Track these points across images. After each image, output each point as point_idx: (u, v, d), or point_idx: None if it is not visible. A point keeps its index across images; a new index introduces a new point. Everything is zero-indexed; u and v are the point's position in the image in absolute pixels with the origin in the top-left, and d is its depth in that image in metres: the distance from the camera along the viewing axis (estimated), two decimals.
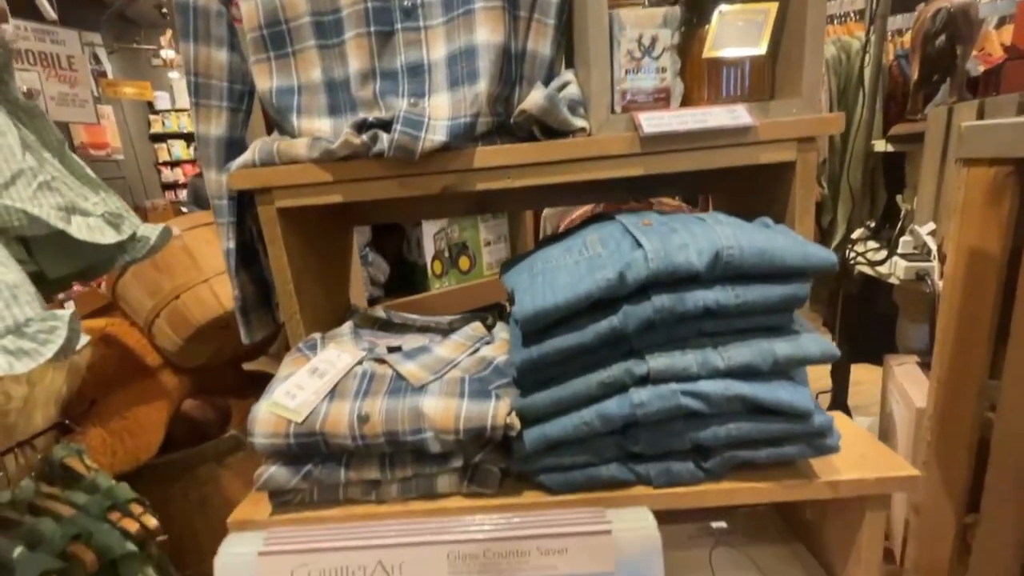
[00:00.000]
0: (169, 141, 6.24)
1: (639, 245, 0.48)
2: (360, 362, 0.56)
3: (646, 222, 0.53)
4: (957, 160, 0.64)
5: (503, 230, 1.43)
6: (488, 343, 0.62)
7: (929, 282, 1.08)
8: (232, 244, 0.68)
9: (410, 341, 0.64)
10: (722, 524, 0.67)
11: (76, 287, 1.36)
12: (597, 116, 0.58)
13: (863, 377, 1.47)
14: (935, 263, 1.10)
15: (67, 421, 0.80)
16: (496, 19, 0.56)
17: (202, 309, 0.96)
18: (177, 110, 6.22)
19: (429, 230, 1.27)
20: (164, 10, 5.10)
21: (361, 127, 0.56)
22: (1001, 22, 1.58)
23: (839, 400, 1.36)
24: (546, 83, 0.61)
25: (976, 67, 1.44)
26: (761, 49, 0.58)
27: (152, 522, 0.70)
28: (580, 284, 0.47)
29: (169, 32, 5.37)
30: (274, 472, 0.50)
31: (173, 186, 6.21)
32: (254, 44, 0.61)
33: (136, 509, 0.71)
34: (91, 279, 0.70)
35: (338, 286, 0.83)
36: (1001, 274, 0.63)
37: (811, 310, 0.76)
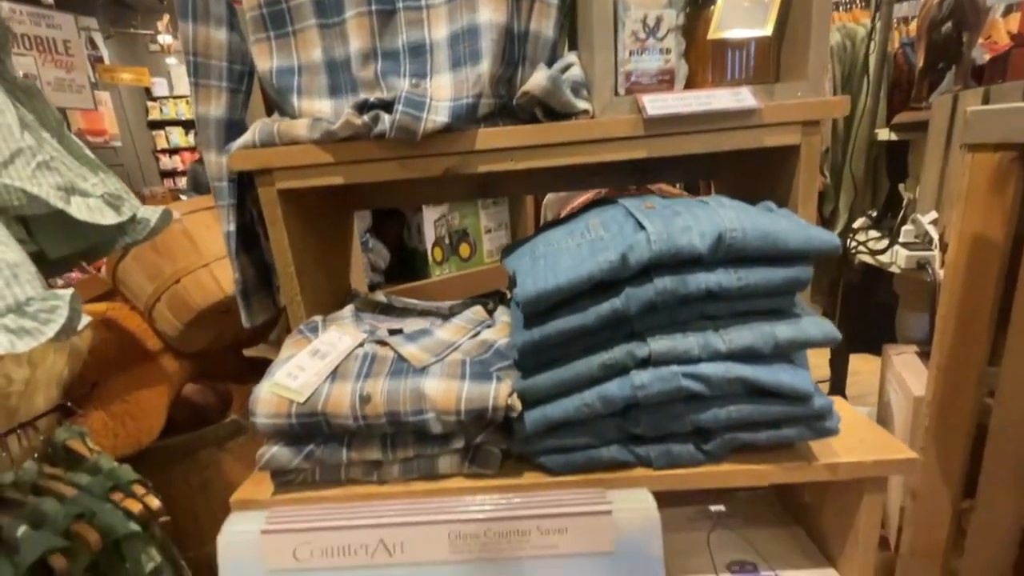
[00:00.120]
0: (167, 128, 6.19)
1: (641, 227, 0.48)
2: (361, 344, 0.56)
3: (649, 205, 0.53)
4: (962, 146, 0.64)
5: (504, 217, 1.43)
6: (489, 326, 0.62)
7: (930, 271, 1.08)
8: (232, 227, 0.67)
9: (411, 324, 0.64)
10: (721, 507, 0.68)
11: (75, 274, 1.36)
12: (600, 98, 0.57)
13: (860, 367, 1.47)
14: (936, 252, 1.10)
15: (69, 403, 0.80)
16: None
17: (202, 293, 0.96)
18: (175, 97, 6.16)
19: (430, 216, 1.27)
20: None
21: (362, 108, 0.56)
22: (1008, 10, 1.56)
23: (837, 389, 1.37)
24: (549, 65, 0.60)
25: (982, 55, 1.43)
26: (767, 30, 0.58)
27: (155, 503, 0.70)
28: (582, 266, 0.47)
29: (167, 17, 5.30)
30: (276, 452, 0.50)
31: (172, 174, 6.17)
32: (253, 23, 0.60)
33: (139, 490, 0.71)
34: (91, 261, 0.70)
35: (339, 271, 0.82)
36: (1003, 261, 0.63)
37: (811, 300, 0.76)
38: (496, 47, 0.56)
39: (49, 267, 0.66)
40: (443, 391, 0.48)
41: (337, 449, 0.50)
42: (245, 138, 0.59)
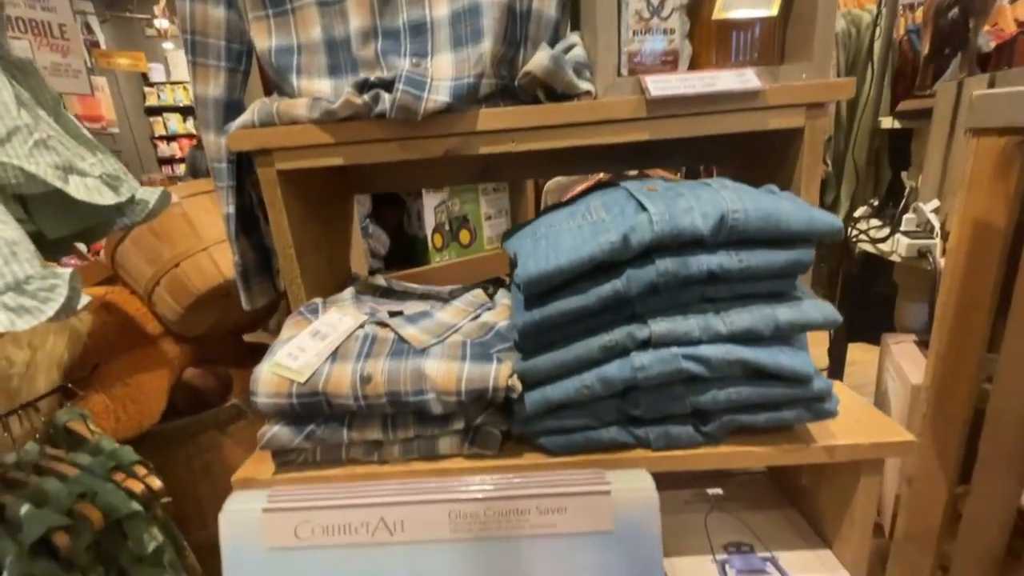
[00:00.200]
0: (165, 114, 6.14)
1: (643, 209, 0.47)
2: (362, 325, 0.56)
3: (651, 187, 0.53)
4: (967, 130, 0.64)
5: (504, 204, 1.42)
6: (489, 309, 0.62)
7: (931, 259, 1.08)
8: (232, 209, 0.67)
9: (411, 307, 0.64)
10: (718, 491, 0.68)
11: (74, 260, 1.36)
12: (603, 79, 0.57)
13: (858, 358, 1.48)
14: (937, 240, 1.10)
15: (70, 385, 0.80)
16: None
17: (202, 277, 0.96)
18: (172, 83, 6.10)
19: (430, 202, 1.26)
20: None
21: (363, 87, 0.55)
22: None
23: (835, 378, 1.37)
24: (551, 45, 0.60)
25: (988, 43, 1.41)
26: (772, 11, 0.57)
27: (156, 483, 0.71)
28: (584, 247, 0.47)
29: (163, 1, 5.23)
30: (277, 431, 0.50)
31: (170, 161, 6.13)
32: (252, 1, 0.59)
33: (140, 471, 0.71)
34: (90, 242, 0.70)
35: (339, 255, 0.82)
36: (1005, 247, 0.63)
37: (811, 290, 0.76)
38: (498, 26, 0.55)
39: (48, 248, 0.65)
40: (444, 372, 0.49)
41: (338, 429, 0.51)
42: (244, 118, 0.58)
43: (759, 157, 0.66)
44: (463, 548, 0.49)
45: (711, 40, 0.59)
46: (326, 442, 0.51)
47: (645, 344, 0.48)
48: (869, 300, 1.49)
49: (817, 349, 0.53)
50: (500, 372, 0.48)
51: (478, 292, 0.66)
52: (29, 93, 0.59)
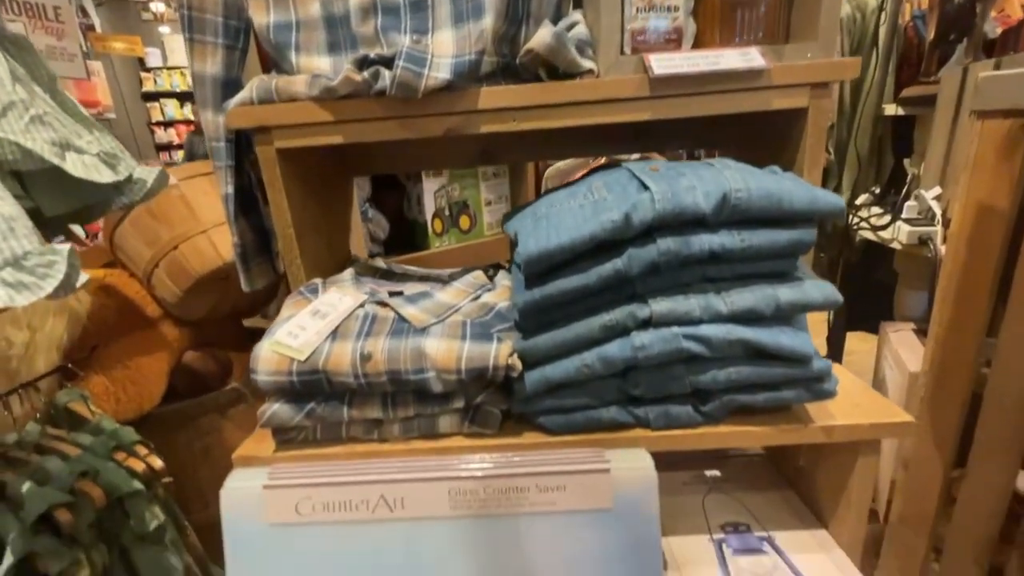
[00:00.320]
0: (162, 100, 6.07)
1: (645, 188, 0.47)
2: (362, 305, 0.56)
3: (653, 167, 0.52)
4: (971, 113, 0.63)
5: (504, 190, 1.42)
6: (489, 290, 0.62)
7: (932, 247, 1.08)
8: (230, 189, 0.67)
9: (411, 288, 0.64)
10: (716, 472, 0.69)
11: (73, 246, 1.35)
12: (606, 57, 0.56)
13: (856, 347, 1.48)
14: (939, 228, 1.09)
15: (69, 365, 0.80)
16: None
17: (201, 260, 0.96)
18: (169, 68, 6.03)
19: (430, 187, 1.25)
20: None
21: (362, 64, 0.54)
22: None
23: None
24: (554, 23, 0.59)
25: (994, 29, 1.40)
26: None
27: (157, 463, 0.71)
28: (585, 226, 0.46)
29: None
30: (277, 409, 0.50)
31: (167, 147, 6.08)
32: None
33: (141, 450, 0.72)
34: (87, 221, 0.69)
35: (339, 237, 0.82)
36: (1008, 230, 0.63)
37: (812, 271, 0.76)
38: (500, 3, 0.55)
39: (45, 228, 0.65)
40: (444, 350, 0.49)
41: (338, 407, 0.51)
42: (242, 95, 0.58)
43: (761, 139, 0.66)
44: (463, 525, 0.49)
45: (715, 19, 0.58)
46: (326, 420, 0.51)
47: (646, 324, 0.48)
48: (869, 289, 1.49)
49: (816, 339, 0.53)
50: (500, 351, 0.48)
51: (478, 274, 0.66)
52: (24, 69, 0.59)
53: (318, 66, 0.59)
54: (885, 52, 1.41)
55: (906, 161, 1.44)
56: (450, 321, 0.54)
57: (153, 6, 5.30)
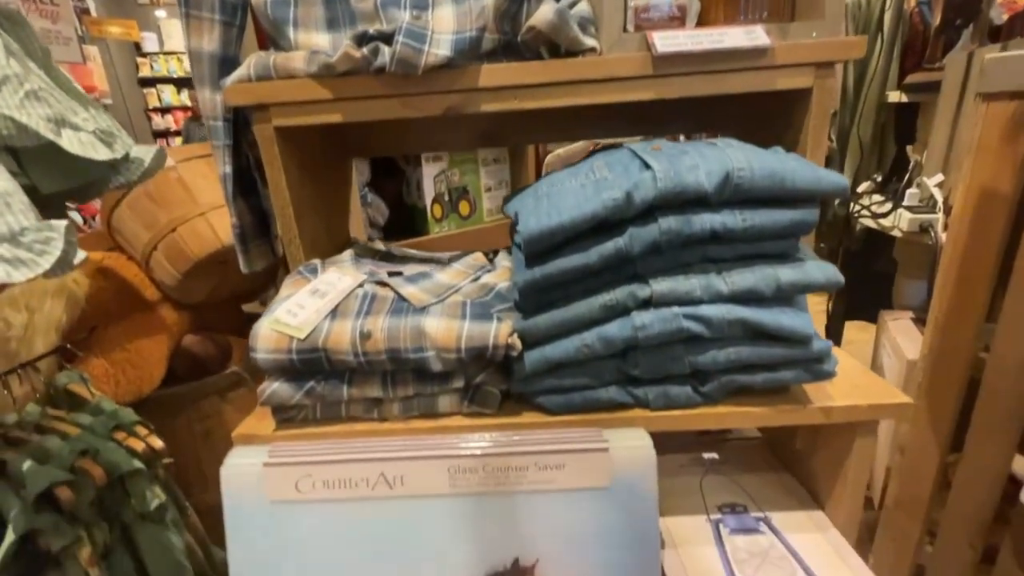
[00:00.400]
0: (159, 86, 6.00)
1: (647, 167, 0.47)
2: (361, 284, 0.55)
3: (655, 146, 0.52)
4: (977, 95, 0.62)
5: (504, 175, 1.41)
6: (489, 271, 0.61)
7: (932, 234, 1.08)
8: (229, 168, 0.66)
9: (411, 269, 0.63)
10: (714, 455, 0.69)
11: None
12: (609, 35, 0.55)
13: (855, 337, 1.48)
14: (940, 215, 1.09)
15: (68, 346, 0.80)
16: None
17: (200, 243, 0.95)
18: (166, 53, 5.95)
19: (429, 172, 1.25)
20: None
21: (361, 40, 0.54)
22: None
23: None
24: (556, 0, 0.58)
25: (1000, 15, 1.38)
26: None
27: (158, 443, 0.71)
28: (586, 204, 0.46)
29: None
30: (277, 387, 0.50)
31: (165, 134, 6.02)
32: None
33: (141, 431, 0.72)
34: (84, 200, 0.69)
35: (338, 220, 0.81)
36: (1010, 214, 0.63)
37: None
38: None
39: (43, 208, 0.64)
40: (443, 329, 0.48)
41: (338, 386, 0.51)
42: (240, 72, 0.57)
43: (764, 121, 0.65)
44: (462, 503, 0.49)
45: None
46: (326, 399, 0.51)
47: (646, 303, 0.48)
48: (868, 278, 1.49)
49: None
50: (500, 330, 0.48)
51: (478, 255, 0.65)
52: (18, 44, 0.58)
53: (316, 42, 0.58)
54: (890, 39, 1.39)
55: (908, 148, 1.43)
56: (450, 301, 0.53)
57: None
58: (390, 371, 0.51)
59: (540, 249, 0.48)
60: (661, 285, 0.47)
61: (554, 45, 0.56)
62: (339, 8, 0.58)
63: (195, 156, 1.01)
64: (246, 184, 0.70)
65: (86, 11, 4.82)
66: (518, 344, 0.49)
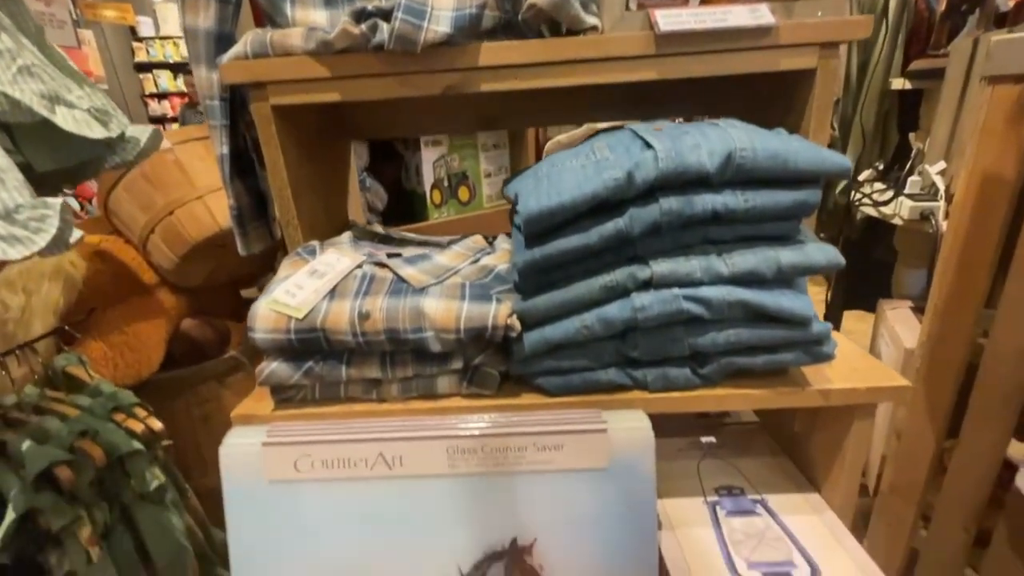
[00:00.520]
0: (155, 71, 5.93)
1: (649, 147, 0.46)
2: (360, 265, 0.55)
3: (657, 127, 0.51)
4: (982, 78, 0.62)
5: (504, 161, 1.40)
6: (489, 254, 0.61)
7: (933, 222, 1.07)
8: (226, 149, 0.65)
9: (410, 251, 0.63)
10: (711, 439, 0.69)
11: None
12: (611, 13, 0.54)
13: (853, 327, 1.49)
14: (941, 203, 1.09)
15: (66, 328, 0.80)
16: None
17: (197, 226, 0.95)
18: (162, 37, 5.88)
19: (428, 157, 1.24)
20: None
21: (360, 16, 0.53)
22: None
23: None
24: None
25: (1006, 1, 1.37)
26: None
27: (157, 424, 0.71)
28: (587, 184, 0.46)
29: None
30: (276, 367, 0.50)
31: (161, 120, 5.96)
32: None
33: (140, 412, 0.72)
34: (81, 180, 0.68)
35: (336, 202, 0.81)
36: (1013, 199, 0.62)
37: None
38: None
39: (39, 188, 0.64)
40: (443, 310, 0.48)
41: (336, 366, 0.51)
42: (236, 49, 0.56)
43: (766, 103, 0.65)
44: (461, 483, 0.50)
45: None
46: (325, 379, 0.51)
47: (646, 284, 0.48)
48: (868, 268, 1.49)
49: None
50: (499, 311, 0.48)
51: (477, 238, 0.65)
52: (10, 19, 0.57)
53: (314, 19, 0.57)
54: (894, 25, 1.38)
55: (911, 136, 1.42)
56: (449, 282, 0.53)
57: None
58: (389, 352, 0.51)
59: (540, 229, 0.47)
60: (661, 266, 0.47)
61: (555, 23, 0.56)
62: None
63: (192, 138, 1.00)
64: (244, 165, 0.69)
65: None
66: (517, 325, 0.49)
